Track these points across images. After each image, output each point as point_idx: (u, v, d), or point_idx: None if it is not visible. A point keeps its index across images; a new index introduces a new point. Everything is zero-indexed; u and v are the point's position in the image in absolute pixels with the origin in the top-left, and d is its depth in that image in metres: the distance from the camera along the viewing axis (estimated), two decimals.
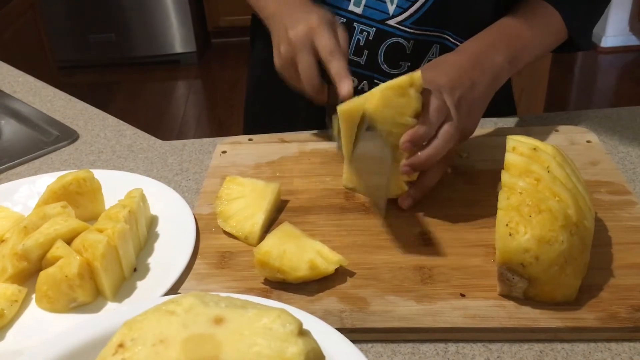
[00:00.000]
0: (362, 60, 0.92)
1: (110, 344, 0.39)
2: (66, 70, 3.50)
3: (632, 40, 3.47)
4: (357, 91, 0.91)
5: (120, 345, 0.38)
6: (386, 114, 0.71)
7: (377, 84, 0.91)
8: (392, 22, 0.88)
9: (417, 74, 0.69)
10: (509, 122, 0.96)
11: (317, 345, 0.39)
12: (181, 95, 3.39)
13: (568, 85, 3.26)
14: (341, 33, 0.77)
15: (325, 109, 0.82)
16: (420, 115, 0.70)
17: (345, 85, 0.72)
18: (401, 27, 0.88)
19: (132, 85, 3.46)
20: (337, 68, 0.72)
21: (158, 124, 3.06)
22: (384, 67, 0.92)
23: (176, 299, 0.41)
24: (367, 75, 0.93)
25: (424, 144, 0.71)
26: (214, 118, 3.18)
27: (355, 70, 0.92)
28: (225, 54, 3.79)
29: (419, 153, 0.71)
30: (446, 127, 0.71)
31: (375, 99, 0.71)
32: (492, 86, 0.78)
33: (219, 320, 0.38)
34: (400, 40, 0.89)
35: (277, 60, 0.78)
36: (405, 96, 0.69)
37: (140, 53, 3.60)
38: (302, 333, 0.38)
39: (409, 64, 0.91)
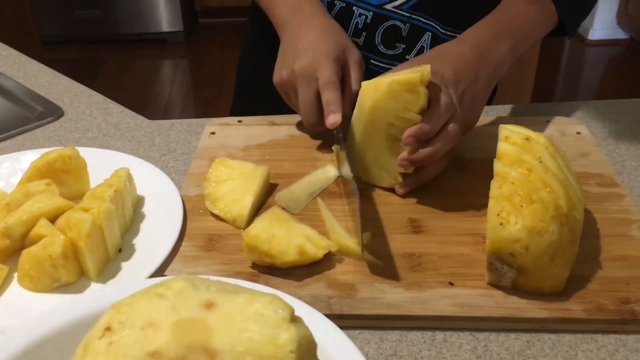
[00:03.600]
0: (360, 41, 0.93)
1: (97, 327, 0.38)
2: (50, 45, 3.44)
3: (619, 34, 3.48)
4: None
5: (108, 329, 0.37)
6: (391, 106, 0.70)
7: (373, 65, 0.93)
8: (389, 6, 0.89)
9: (427, 69, 0.68)
10: (499, 111, 0.96)
11: (309, 332, 0.38)
12: (167, 75, 3.35)
13: (554, 77, 3.27)
14: (354, 62, 0.79)
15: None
16: (428, 110, 0.69)
17: (331, 117, 0.74)
18: (398, 11, 0.89)
19: (117, 63, 3.41)
20: (328, 98, 0.74)
21: (144, 102, 3.02)
22: (381, 48, 0.93)
23: (166, 282, 0.40)
24: (364, 55, 0.93)
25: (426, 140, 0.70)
26: (200, 98, 3.14)
27: None
28: (213, 34, 3.74)
29: (420, 150, 0.70)
30: (451, 126, 0.70)
31: (381, 89, 0.69)
32: (494, 78, 0.77)
33: (209, 305, 0.37)
34: (398, 23, 0.90)
35: (277, 80, 0.81)
36: (414, 93, 0.68)
37: (126, 30, 3.54)
38: (294, 320, 0.37)
39: (404, 45, 0.92)
